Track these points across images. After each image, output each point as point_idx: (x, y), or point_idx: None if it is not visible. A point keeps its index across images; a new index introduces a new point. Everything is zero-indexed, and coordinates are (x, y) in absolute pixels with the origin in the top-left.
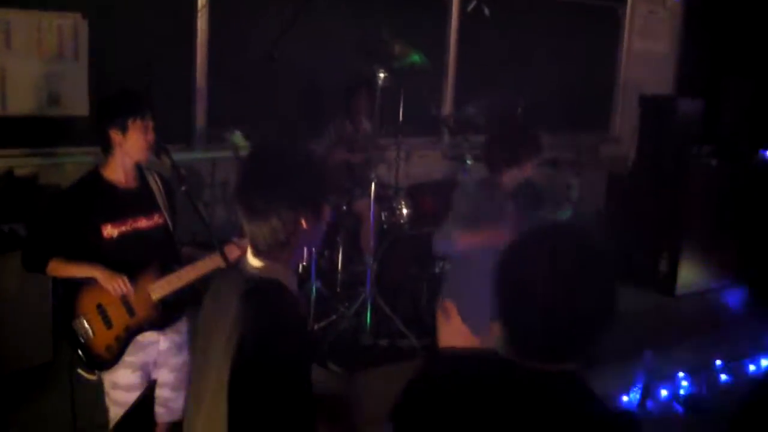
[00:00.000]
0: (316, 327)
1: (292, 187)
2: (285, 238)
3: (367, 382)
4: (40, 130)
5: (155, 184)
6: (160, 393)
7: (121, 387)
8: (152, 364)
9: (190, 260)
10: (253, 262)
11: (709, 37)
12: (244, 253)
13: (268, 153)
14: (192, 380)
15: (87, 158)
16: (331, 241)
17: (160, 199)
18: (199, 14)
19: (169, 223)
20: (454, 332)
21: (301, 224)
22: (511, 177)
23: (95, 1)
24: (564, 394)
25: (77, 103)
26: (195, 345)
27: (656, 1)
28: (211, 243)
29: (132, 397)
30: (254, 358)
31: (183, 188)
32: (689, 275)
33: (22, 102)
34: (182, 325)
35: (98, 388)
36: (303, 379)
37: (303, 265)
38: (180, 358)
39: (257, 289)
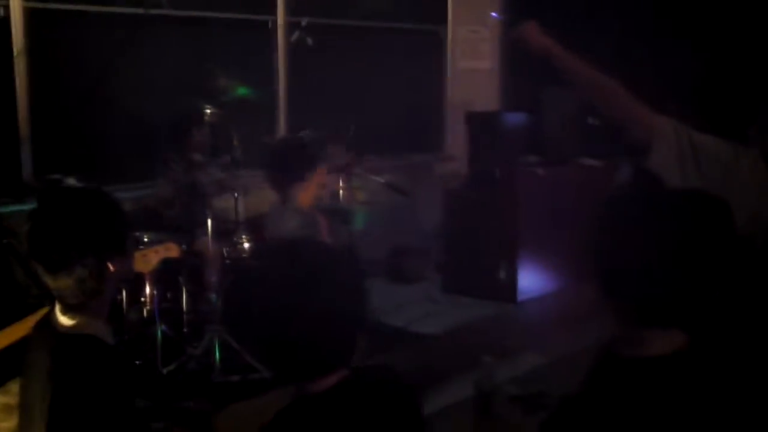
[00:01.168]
0: (164, 371)
1: (89, 231)
2: (96, 286)
3: (223, 420)
4: None
5: None
6: None
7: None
8: None
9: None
10: (63, 320)
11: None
12: None
13: (56, 200)
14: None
15: None
16: (173, 282)
17: None
18: (16, 60)
19: None
20: None
21: (109, 268)
22: (304, 197)
23: None
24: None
25: None
26: (19, 404)
27: (477, 21)
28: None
29: None
30: (68, 412)
31: (4, 241)
32: (529, 281)
33: None
34: (14, 386)
35: None
36: (121, 425)
37: (147, 309)
38: (12, 421)
39: (68, 346)
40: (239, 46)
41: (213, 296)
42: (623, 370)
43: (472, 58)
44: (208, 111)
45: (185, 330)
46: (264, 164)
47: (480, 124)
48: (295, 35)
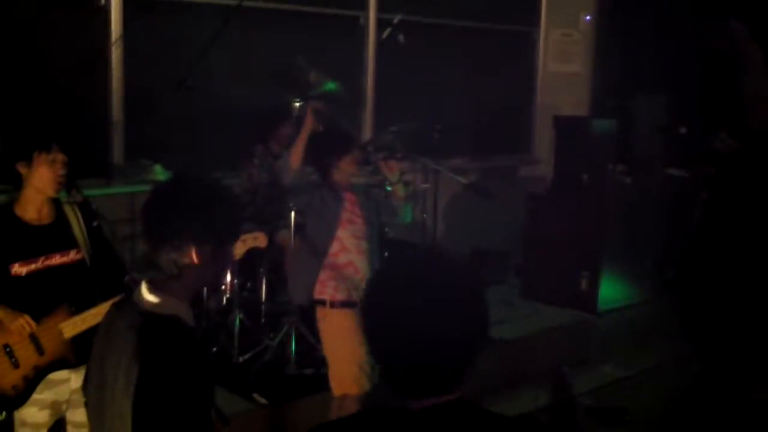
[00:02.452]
0: (240, 359)
1: (191, 218)
2: (177, 270)
3: (293, 414)
4: None
5: (75, 218)
6: None
7: (28, 425)
8: (65, 403)
9: None
10: (149, 297)
11: (621, 56)
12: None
13: (177, 183)
14: (90, 418)
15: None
16: (254, 272)
17: (80, 234)
18: (114, 46)
19: (87, 258)
20: None
21: (193, 258)
22: (339, 177)
23: (6, 34)
24: (462, 421)
25: None
26: (89, 383)
27: (569, 24)
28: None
29: None
30: (156, 390)
31: (94, 224)
32: (610, 291)
33: None
34: None
35: (6, 427)
36: (202, 407)
37: (227, 298)
38: None
39: (155, 323)
40: (330, 40)
41: None
42: None
43: (563, 61)
44: (297, 104)
45: (263, 320)
46: (307, 148)
47: (568, 128)
48: (387, 32)
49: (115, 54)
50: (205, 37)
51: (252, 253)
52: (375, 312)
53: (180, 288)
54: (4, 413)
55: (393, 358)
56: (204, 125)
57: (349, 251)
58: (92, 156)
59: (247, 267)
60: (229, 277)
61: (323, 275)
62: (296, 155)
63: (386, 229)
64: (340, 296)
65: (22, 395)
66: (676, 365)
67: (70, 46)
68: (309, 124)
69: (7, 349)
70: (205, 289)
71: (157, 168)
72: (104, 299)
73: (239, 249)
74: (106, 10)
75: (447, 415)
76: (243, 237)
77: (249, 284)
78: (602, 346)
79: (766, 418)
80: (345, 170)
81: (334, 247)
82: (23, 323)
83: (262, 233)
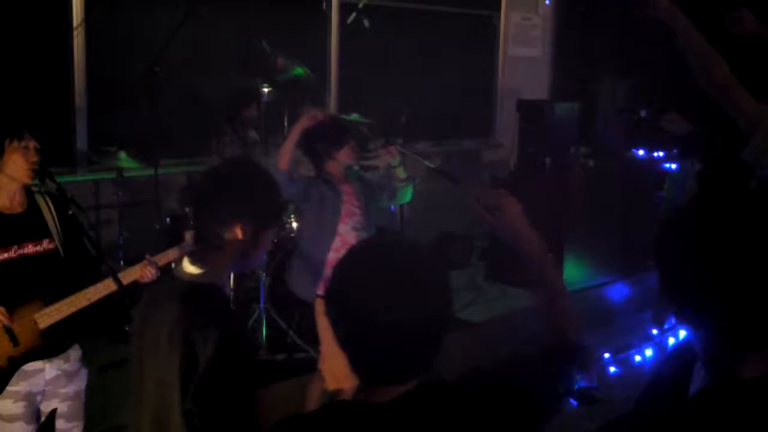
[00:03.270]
0: None
1: (240, 197)
2: (219, 242)
3: (265, 399)
4: None
5: (46, 207)
6: (56, 424)
7: (3, 418)
8: (39, 395)
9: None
10: (190, 269)
11: (581, 39)
12: (146, 276)
13: (232, 165)
14: (133, 381)
15: None
16: None
17: (52, 223)
18: (76, 32)
19: (60, 248)
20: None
21: (237, 233)
22: (333, 167)
23: None
24: (429, 408)
25: None
26: (134, 353)
27: (529, 8)
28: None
29: (14, 428)
30: (199, 351)
31: (70, 212)
32: (574, 272)
33: None
34: (73, 352)
35: None
36: (244, 370)
37: None
38: (72, 387)
39: (197, 290)
40: (295, 24)
41: (261, 274)
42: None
43: (524, 45)
44: (265, 90)
45: (232, 307)
46: (302, 138)
47: (531, 112)
48: (352, 17)
49: (77, 40)
50: (169, 23)
51: None
52: (339, 298)
53: (220, 261)
54: None
55: (359, 346)
56: (169, 111)
57: (350, 245)
58: (56, 143)
59: None
60: None
61: (326, 271)
62: (284, 156)
63: None
64: None
65: None
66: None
67: (31, 31)
68: (301, 127)
69: None
70: None
71: (122, 155)
72: (79, 288)
73: None
74: None
75: (413, 405)
76: None
77: None
78: None
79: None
80: (341, 161)
81: (336, 242)
82: None
83: None
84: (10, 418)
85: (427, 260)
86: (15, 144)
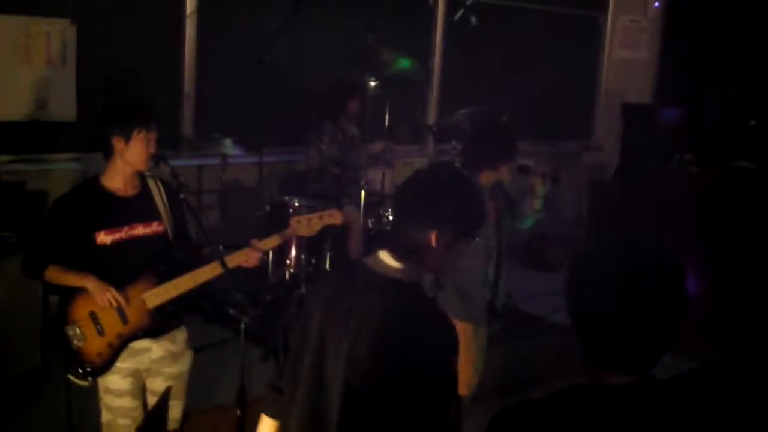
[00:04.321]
0: None
1: (440, 204)
2: (416, 248)
3: None
4: (27, 137)
5: (157, 191)
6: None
7: (112, 392)
8: (145, 372)
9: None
10: (391, 262)
11: (689, 44)
12: (251, 261)
13: (437, 171)
14: (292, 361)
15: (74, 164)
16: (318, 249)
17: (162, 206)
18: (188, 20)
19: (170, 231)
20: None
21: (432, 240)
22: (486, 178)
23: (84, 7)
24: (660, 401)
25: (65, 109)
26: (301, 335)
27: (637, 11)
28: (234, 245)
29: (122, 402)
30: (401, 353)
31: (181, 196)
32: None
33: (9, 108)
34: (179, 334)
35: (89, 395)
36: (449, 378)
37: (290, 272)
38: (175, 368)
39: (398, 287)
40: (400, 19)
41: None
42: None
43: (630, 48)
44: (372, 83)
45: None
46: (461, 139)
47: (636, 115)
48: (459, 13)
49: (189, 28)
50: (278, 15)
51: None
52: (587, 294)
53: (417, 263)
54: (89, 379)
55: (602, 337)
56: (275, 101)
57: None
58: (163, 127)
59: (311, 243)
60: (294, 252)
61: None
62: None
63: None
64: None
65: (107, 363)
66: None
67: (146, 17)
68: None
69: (93, 317)
70: (270, 262)
71: (227, 142)
72: (186, 270)
73: (316, 225)
74: None
75: (645, 394)
76: (319, 213)
77: (313, 260)
78: None
79: None
80: (500, 175)
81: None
82: (110, 297)
83: (337, 210)
84: (119, 393)
85: (675, 265)
86: (143, 134)
